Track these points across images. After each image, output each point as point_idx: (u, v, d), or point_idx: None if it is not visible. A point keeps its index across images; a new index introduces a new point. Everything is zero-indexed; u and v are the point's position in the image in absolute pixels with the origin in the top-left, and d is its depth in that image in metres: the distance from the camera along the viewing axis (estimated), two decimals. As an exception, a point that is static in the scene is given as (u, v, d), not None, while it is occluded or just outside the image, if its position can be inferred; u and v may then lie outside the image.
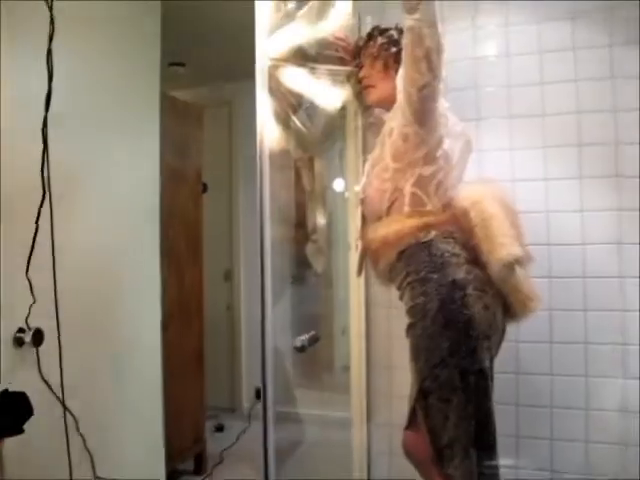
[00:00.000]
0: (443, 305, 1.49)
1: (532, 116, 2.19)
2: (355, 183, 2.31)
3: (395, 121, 1.62)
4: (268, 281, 1.60)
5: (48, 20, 1.60)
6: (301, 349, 1.67)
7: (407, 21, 1.45)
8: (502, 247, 1.50)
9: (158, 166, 2.61)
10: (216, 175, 3.93)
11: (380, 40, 1.79)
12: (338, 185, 2.40)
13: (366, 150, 2.29)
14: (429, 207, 1.58)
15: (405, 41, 1.49)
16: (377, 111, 2.00)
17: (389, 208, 1.63)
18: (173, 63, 3.61)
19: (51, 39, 1.48)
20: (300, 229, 2.20)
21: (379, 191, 1.65)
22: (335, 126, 2.25)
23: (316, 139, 2.14)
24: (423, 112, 1.54)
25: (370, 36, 1.85)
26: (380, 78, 1.78)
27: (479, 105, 2.24)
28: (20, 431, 1.38)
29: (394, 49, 1.72)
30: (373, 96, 1.83)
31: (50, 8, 1.49)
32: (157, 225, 2.61)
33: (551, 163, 2.17)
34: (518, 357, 2.16)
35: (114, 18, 2.37)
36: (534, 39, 2.21)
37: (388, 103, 1.71)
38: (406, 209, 1.59)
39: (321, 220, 2.22)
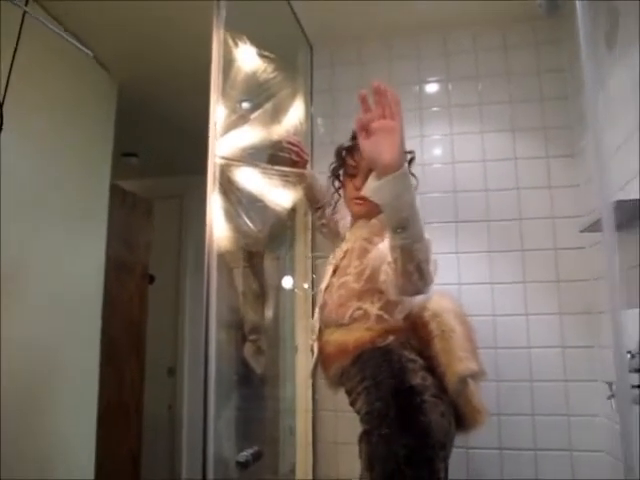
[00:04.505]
0: (401, 411, 1.44)
1: (477, 221, 2.26)
2: (303, 281, 2.30)
3: (370, 243, 1.63)
4: (212, 385, 1.53)
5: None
6: (244, 465, 1.57)
7: (395, 240, 1.35)
8: (460, 361, 1.50)
9: (104, 257, 2.55)
10: (165, 267, 3.86)
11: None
12: (287, 283, 2.38)
13: (315, 249, 2.30)
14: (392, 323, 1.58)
15: (394, 256, 1.37)
16: (327, 211, 2.03)
17: (351, 323, 1.60)
18: (126, 153, 3.62)
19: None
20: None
21: (343, 306, 1.62)
22: (284, 225, 2.26)
23: (264, 238, 2.14)
24: None
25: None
26: None
27: (426, 210, 2.27)
28: None
29: None
30: (362, 209, 1.75)
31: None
32: (98, 317, 2.51)
33: (496, 267, 2.22)
34: (468, 465, 2.11)
35: (68, 104, 2.37)
36: (478, 148, 2.32)
37: (372, 216, 1.71)
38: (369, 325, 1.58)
39: (268, 318, 2.18)
